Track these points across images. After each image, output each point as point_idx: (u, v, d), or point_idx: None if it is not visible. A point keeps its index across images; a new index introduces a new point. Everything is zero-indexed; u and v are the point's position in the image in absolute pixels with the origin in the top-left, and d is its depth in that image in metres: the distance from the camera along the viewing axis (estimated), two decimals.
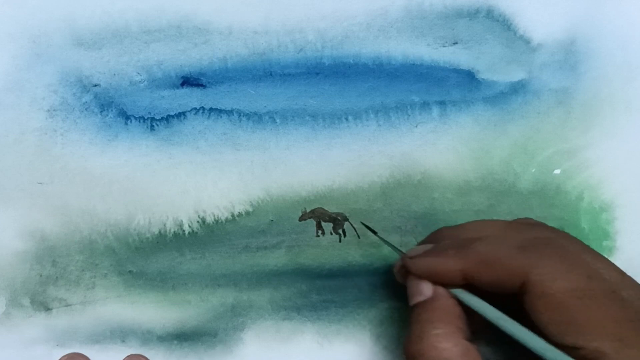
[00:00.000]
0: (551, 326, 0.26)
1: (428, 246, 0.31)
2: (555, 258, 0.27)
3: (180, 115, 0.37)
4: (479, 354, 0.28)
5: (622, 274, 0.28)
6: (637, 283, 0.29)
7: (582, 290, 0.26)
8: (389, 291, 0.37)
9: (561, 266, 0.27)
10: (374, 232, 0.36)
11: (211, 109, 0.37)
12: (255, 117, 0.37)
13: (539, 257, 0.27)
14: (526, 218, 0.34)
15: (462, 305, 0.30)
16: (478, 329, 0.30)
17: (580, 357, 0.25)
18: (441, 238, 0.32)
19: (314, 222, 0.37)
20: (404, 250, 0.34)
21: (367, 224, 0.37)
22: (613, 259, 0.37)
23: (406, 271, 0.31)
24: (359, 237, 0.37)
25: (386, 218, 0.37)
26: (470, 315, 0.30)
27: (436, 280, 0.30)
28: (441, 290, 0.30)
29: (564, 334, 0.26)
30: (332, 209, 0.37)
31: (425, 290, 0.30)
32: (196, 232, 0.37)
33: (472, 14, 0.37)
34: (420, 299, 0.30)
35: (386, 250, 0.37)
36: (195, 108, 0.37)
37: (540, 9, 0.37)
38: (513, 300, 0.28)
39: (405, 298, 0.35)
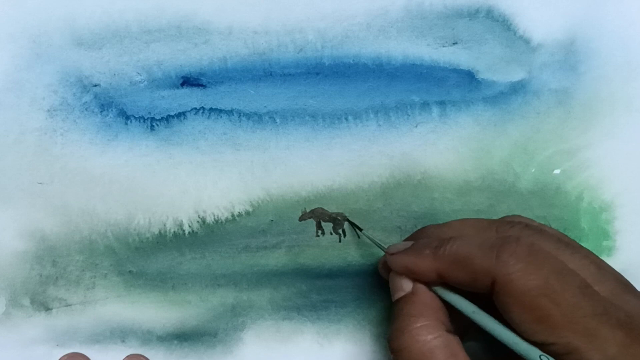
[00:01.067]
0: (522, 324, 0.27)
1: (408, 243, 0.32)
2: (523, 256, 0.27)
3: (180, 115, 0.37)
4: (460, 345, 0.29)
5: (600, 267, 0.29)
6: (617, 276, 0.29)
7: (550, 287, 0.26)
8: (389, 291, 0.37)
9: (529, 264, 0.27)
10: (360, 229, 0.36)
11: (211, 109, 0.37)
12: (255, 117, 0.37)
13: (506, 255, 0.27)
14: (514, 216, 0.34)
15: (443, 300, 0.30)
16: (466, 325, 0.31)
17: (553, 352, 0.26)
18: (424, 236, 0.33)
19: (314, 222, 0.37)
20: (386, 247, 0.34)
21: (364, 231, 0.37)
22: (613, 259, 0.37)
23: (389, 268, 0.32)
24: (359, 237, 0.37)
25: (386, 218, 0.37)
26: (456, 310, 0.30)
27: (414, 278, 0.31)
28: (421, 285, 0.31)
29: (534, 331, 0.26)
30: (332, 209, 0.37)
31: (405, 285, 0.31)
32: (196, 232, 0.37)
33: (472, 14, 0.37)
34: (401, 294, 0.31)
35: None
36: (195, 108, 0.37)
37: (540, 9, 0.37)
38: (487, 299, 0.29)
39: None
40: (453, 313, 0.30)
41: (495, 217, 0.37)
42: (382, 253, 0.33)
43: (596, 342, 0.25)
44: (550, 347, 0.26)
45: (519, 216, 0.34)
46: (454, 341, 0.29)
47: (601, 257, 0.36)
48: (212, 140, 0.37)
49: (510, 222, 0.31)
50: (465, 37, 0.37)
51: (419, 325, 0.29)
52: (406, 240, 0.34)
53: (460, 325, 0.31)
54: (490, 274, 0.27)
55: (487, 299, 0.29)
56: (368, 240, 0.36)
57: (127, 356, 0.36)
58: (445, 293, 0.30)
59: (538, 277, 0.27)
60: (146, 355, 0.36)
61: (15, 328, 0.36)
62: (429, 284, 0.31)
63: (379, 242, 0.35)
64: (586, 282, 0.27)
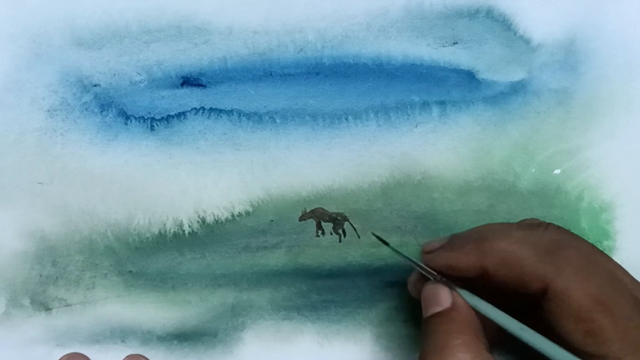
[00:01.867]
0: (573, 334, 0.26)
1: (444, 238, 0.31)
2: (577, 263, 0.27)
3: (180, 115, 0.37)
4: None
5: (632, 277, 0.28)
6: (625, 270, 0.28)
7: (604, 297, 0.26)
8: (389, 291, 0.37)
9: (585, 274, 0.26)
10: (386, 244, 0.34)
11: (211, 109, 0.37)
12: (255, 117, 0.37)
13: (565, 263, 0.27)
14: (532, 219, 0.33)
15: (479, 316, 0.29)
16: (489, 339, 0.29)
17: None
18: (454, 237, 0.31)
19: (314, 222, 0.37)
20: (418, 261, 0.32)
21: (364, 232, 0.36)
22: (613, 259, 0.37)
23: (420, 285, 0.31)
24: (359, 237, 0.37)
25: (386, 218, 0.37)
26: (483, 324, 0.29)
27: (454, 275, 0.29)
28: (460, 300, 0.29)
29: (586, 342, 0.26)
30: (332, 209, 0.37)
31: (444, 300, 0.29)
32: (196, 232, 0.37)
33: (472, 14, 0.37)
34: (438, 309, 0.29)
35: (386, 250, 0.37)
36: (195, 108, 0.37)
37: (540, 9, 0.37)
38: (527, 302, 0.28)
39: (405, 298, 0.35)
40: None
41: (495, 217, 0.37)
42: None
43: None
44: None
45: (537, 220, 0.33)
46: None
47: None
48: (212, 140, 0.37)
49: (540, 223, 0.30)
50: (465, 37, 0.37)
51: (458, 342, 0.27)
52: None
53: (488, 338, 0.29)
54: (543, 279, 0.26)
55: (507, 303, 0.28)
56: (370, 242, 0.36)
57: (127, 356, 0.36)
58: (490, 310, 0.28)
59: (594, 287, 0.26)
60: (146, 355, 0.36)
61: (15, 328, 0.36)
62: (461, 291, 0.29)
63: (409, 257, 0.33)
64: (634, 294, 0.26)
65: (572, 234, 0.30)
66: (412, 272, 0.33)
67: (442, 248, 0.30)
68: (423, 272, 0.31)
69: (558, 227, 0.30)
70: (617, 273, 0.27)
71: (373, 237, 0.35)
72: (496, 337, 0.29)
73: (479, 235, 0.29)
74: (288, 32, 0.37)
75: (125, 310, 0.37)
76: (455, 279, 0.30)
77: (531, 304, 0.28)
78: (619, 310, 0.25)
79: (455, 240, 0.30)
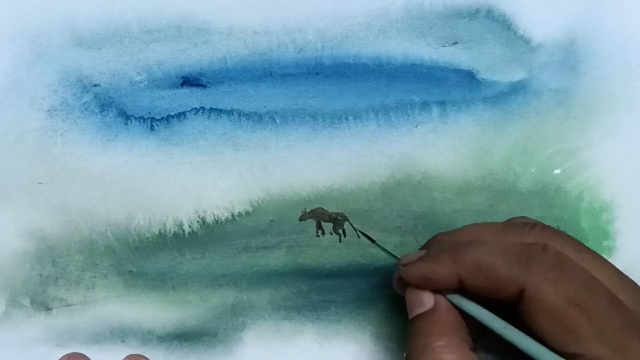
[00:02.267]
0: (550, 335, 0.26)
1: (421, 252, 0.31)
2: (551, 266, 0.27)
3: (180, 115, 0.37)
4: None
5: (621, 275, 0.28)
6: (635, 284, 0.28)
7: (579, 297, 0.26)
8: (389, 291, 0.37)
9: (558, 274, 0.26)
10: (372, 241, 0.35)
11: (211, 109, 0.37)
12: (255, 117, 0.37)
13: (535, 265, 0.27)
14: (522, 217, 0.33)
15: (462, 314, 0.29)
16: (474, 336, 0.30)
17: None
18: (436, 244, 0.32)
19: (314, 222, 0.37)
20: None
21: (365, 232, 0.36)
22: (613, 259, 0.37)
23: (404, 282, 0.31)
24: (359, 237, 0.37)
25: (386, 218, 0.37)
26: (467, 321, 0.29)
27: (432, 288, 0.29)
28: (442, 300, 0.29)
29: (563, 342, 0.26)
30: (332, 209, 0.37)
31: (426, 301, 0.29)
32: (196, 232, 0.37)
33: (472, 14, 0.37)
34: (420, 310, 0.29)
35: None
36: (195, 108, 0.37)
37: (540, 9, 0.37)
38: (508, 306, 0.28)
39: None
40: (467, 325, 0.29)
41: (495, 217, 0.37)
42: (392, 265, 0.33)
43: (626, 355, 0.25)
44: (578, 359, 0.25)
45: (526, 218, 0.33)
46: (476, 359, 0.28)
47: None
48: (212, 140, 0.37)
49: (526, 223, 0.30)
50: (465, 37, 0.37)
51: (441, 343, 0.27)
52: (419, 250, 0.33)
53: (471, 337, 0.30)
54: (517, 283, 0.27)
55: (495, 304, 0.28)
56: (370, 243, 0.36)
57: (127, 356, 0.36)
58: (469, 305, 0.29)
59: (568, 288, 0.26)
60: (146, 355, 0.36)
61: (15, 328, 0.36)
62: (445, 292, 0.29)
63: (393, 253, 0.34)
64: (612, 293, 0.26)
65: (557, 232, 0.30)
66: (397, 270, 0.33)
67: (418, 260, 0.30)
68: None
69: (543, 226, 0.30)
70: (594, 272, 0.27)
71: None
72: (480, 335, 0.29)
73: (455, 245, 0.29)
74: (288, 32, 0.37)
75: (125, 310, 0.37)
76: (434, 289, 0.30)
77: (509, 308, 0.28)
78: (595, 309, 0.26)
79: (431, 252, 0.30)
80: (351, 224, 0.37)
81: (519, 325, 0.27)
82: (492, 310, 0.28)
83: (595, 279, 0.27)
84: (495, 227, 0.31)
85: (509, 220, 0.33)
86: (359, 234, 0.37)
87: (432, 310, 0.29)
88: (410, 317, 0.30)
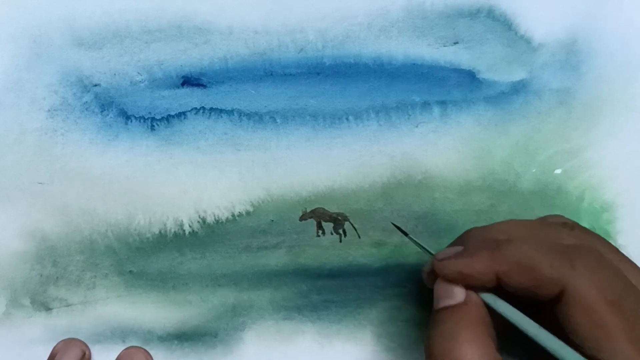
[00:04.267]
0: (588, 340, 0.25)
1: (458, 248, 0.30)
2: (593, 267, 0.26)
3: (181, 115, 0.37)
4: None
5: (628, 262, 0.28)
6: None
7: (621, 302, 0.25)
8: (390, 291, 0.37)
9: (600, 277, 0.26)
10: (405, 234, 0.34)
11: (212, 109, 0.37)
12: (255, 117, 0.37)
13: (579, 266, 0.26)
14: (559, 216, 0.33)
15: (491, 314, 0.28)
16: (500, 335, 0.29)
17: None
18: (471, 239, 0.31)
19: (315, 222, 0.37)
20: (433, 252, 0.32)
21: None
22: None
23: (435, 275, 0.30)
24: (359, 237, 0.37)
25: (387, 218, 0.37)
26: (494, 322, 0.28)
27: (467, 284, 0.29)
28: (474, 296, 0.28)
29: (600, 348, 0.25)
30: (332, 208, 0.37)
31: (458, 294, 0.28)
32: (196, 232, 0.37)
33: (473, 14, 0.37)
34: (450, 302, 0.28)
35: (387, 250, 0.37)
36: (195, 108, 0.37)
37: (542, 9, 0.37)
38: (540, 306, 0.27)
39: (406, 298, 0.35)
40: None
41: (496, 218, 0.37)
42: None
43: None
44: None
45: (562, 217, 0.32)
46: None
47: None
48: (213, 140, 0.37)
49: (565, 223, 0.30)
50: (466, 36, 0.37)
51: (469, 336, 0.26)
52: (450, 245, 0.32)
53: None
54: (560, 282, 0.26)
55: (527, 307, 0.28)
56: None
57: (125, 349, 0.36)
58: (502, 306, 0.28)
59: (609, 292, 0.26)
60: None
61: (15, 328, 0.36)
62: (481, 291, 0.28)
63: (426, 247, 0.33)
64: None
65: (596, 235, 0.30)
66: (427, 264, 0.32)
67: (455, 256, 0.29)
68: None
69: (582, 227, 0.30)
70: (628, 273, 0.27)
71: (391, 227, 0.35)
72: (502, 337, 0.28)
73: (494, 242, 0.29)
74: (289, 32, 0.37)
75: (126, 310, 0.37)
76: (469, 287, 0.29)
77: (543, 309, 0.27)
78: (633, 316, 0.25)
79: (469, 248, 0.29)
80: (352, 224, 0.37)
81: (548, 327, 0.27)
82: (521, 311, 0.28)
83: (631, 283, 0.27)
84: (533, 226, 0.30)
85: (542, 218, 0.32)
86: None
87: (463, 303, 0.28)
88: (436, 307, 0.29)
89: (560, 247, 0.27)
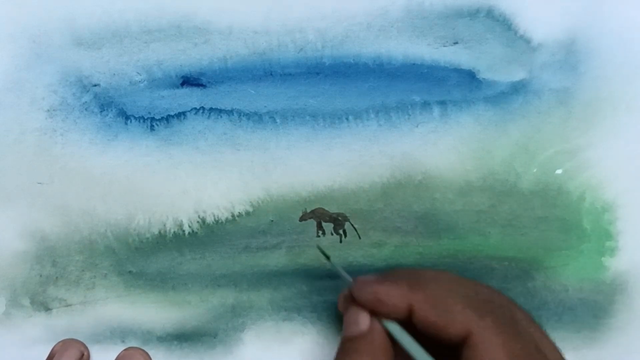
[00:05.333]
0: None
1: (380, 275, 0.31)
2: (506, 321, 0.28)
3: (180, 115, 0.37)
4: None
5: (543, 333, 0.29)
6: (554, 343, 0.29)
7: (518, 353, 0.27)
8: None
9: (508, 330, 0.27)
10: (327, 258, 0.34)
11: (211, 109, 0.37)
12: (255, 117, 0.37)
13: (491, 316, 0.27)
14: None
15: (393, 344, 0.29)
16: None
17: None
18: (396, 272, 0.31)
19: (315, 223, 0.37)
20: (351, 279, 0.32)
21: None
22: (615, 260, 0.37)
23: (350, 300, 0.31)
24: (359, 237, 0.37)
25: (387, 218, 0.37)
26: (397, 353, 0.30)
27: (379, 311, 0.30)
28: (377, 326, 0.29)
29: None
30: (332, 209, 0.37)
31: (362, 322, 0.30)
32: (196, 232, 0.37)
33: (473, 14, 0.37)
34: (355, 330, 0.30)
35: (387, 250, 0.37)
36: (195, 108, 0.37)
37: (541, 9, 0.37)
38: (445, 346, 0.28)
39: None
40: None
41: (497, 218, 0.37)
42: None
43: None
44: None
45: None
46: None
47: (604, 258, 0.37)
48: (212, 140, 0.37)
49: (487, 286, 0.31)
50: (465, 36, 0.37)
51: None
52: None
53: None
54: (467, 327, 0.27)
55: (429, 343, 0.29)
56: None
57: (125, 349, 0.36)
58: (402, 336, 0.29)
59: (516, 346, 0.27)
60: None
61: (15, 328, 0.36)
62: (388, 319, 0.30)
63: (345, 274, 0.33)
64: (539, 347, 0.28)
65: (514, 304, 0.31)
66: (346, 287, 0.32)
67: (375, 281, 0.30)
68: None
69: (500, 294, 0.31)
70: (539, 341, 0.28)
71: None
72: None
73: (416, 276, 0.30)
74: (288, 31, 0.37)
75: (125, 310, 0.37)
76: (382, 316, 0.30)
77: (448, 350, 0.28)
78: None
79: (390, 276, 0.30)
80: (352, 224, 0.37)
81: None
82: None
83: (539, 348, 0.28)
84: (461, 279, 0.31)
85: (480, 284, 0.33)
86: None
87: (366, 333, 0.29)
88: (343, 335, 0.30)
89: (477, 295, 0.29)
